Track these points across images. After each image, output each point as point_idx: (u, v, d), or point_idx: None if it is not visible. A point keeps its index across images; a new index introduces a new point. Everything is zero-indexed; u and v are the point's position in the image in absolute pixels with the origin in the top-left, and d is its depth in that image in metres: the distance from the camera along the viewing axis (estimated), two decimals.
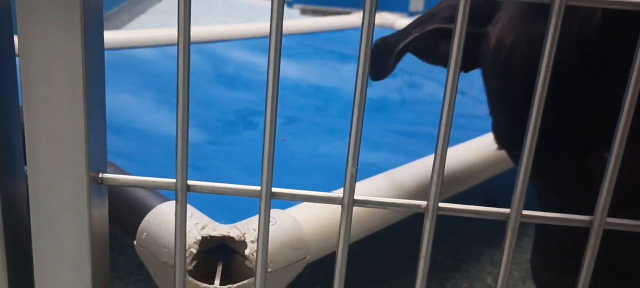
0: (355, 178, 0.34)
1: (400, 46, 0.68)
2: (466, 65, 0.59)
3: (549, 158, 0.52)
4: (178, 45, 0.31)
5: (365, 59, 0.31)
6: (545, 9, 0.31)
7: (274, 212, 0.62)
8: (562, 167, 0.52)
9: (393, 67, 0.70)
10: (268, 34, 0.31)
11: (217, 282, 0.57)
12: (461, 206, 0.35)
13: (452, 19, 0.69)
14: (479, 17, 0.56)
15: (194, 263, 0.56)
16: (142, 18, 3.06)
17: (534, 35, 0.51)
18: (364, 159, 0.34)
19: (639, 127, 0.33)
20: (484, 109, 0.61)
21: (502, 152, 0.60)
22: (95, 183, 0.35)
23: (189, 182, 0.34)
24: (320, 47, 1.55)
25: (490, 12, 0.58)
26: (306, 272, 0.64)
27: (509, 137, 0.57)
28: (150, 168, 0.79)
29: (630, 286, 0.53)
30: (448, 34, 0.66)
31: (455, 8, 0.30)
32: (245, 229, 0.58)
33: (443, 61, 0.69)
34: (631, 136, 0.32)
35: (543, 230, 0.57)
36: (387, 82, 0.74)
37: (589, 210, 0.35)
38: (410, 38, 0.68)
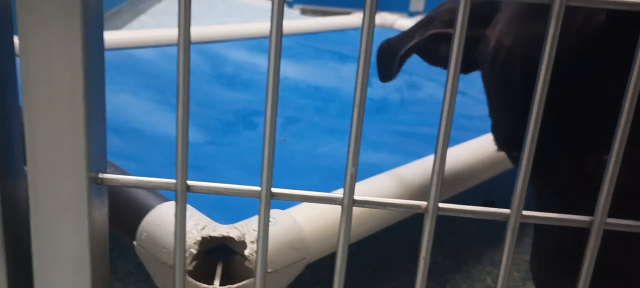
0: (355, 179, 0.34)
1: (403, 50, 0.69)
2: (465, 67, 0.59)
3: (549, 159, 0.52)
4: (178, 45, 0.31)
5: (366, 59, 0.31)
6: (544, 10, 0.31)
7: (274, 213, 0.62)
8: (562, 168, 0.52)
9: (398, 70, 0.71)
10: (268, 34, 0.31)
11: (216, 282, 0.57)
12: (461, 206, 0.35)
13: (451, 23, 0.70)
14: (478, 19, 0.56)
15: (193, 263, 0.56)
16: (142, 18, 3.06)
17: (533, 36, 0.51)
18: (363, 159, 0.34)
19: (639, 128, 0.33)
20: (483, 110, 0.61)
21: (501, 153, 0.60)
22: (95, 184, 0.35)
23: (189, 183, 0.34)
24: (320, 47, 1.55)
25: (489, 14, 0.58)
26: (306, 273, 0.64)
27: (508, 138, 0.58)
28: (149, 169, 0.79)
29: (629, 286, 0.53)
30: (448, 38, 0.66)
31: (454, 12, 0.30)
32: (245, 229, 0.58)
33: (443, 63, 0.69)
34: (631, 136, 0.32)
35: (542, 231, 0.57)
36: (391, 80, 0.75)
37: (589, 212, 0.35)
38: (411, 43, 0.69)
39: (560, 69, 0.42)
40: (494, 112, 0.59)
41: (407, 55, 0.70)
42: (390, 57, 0.71)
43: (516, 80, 0.53)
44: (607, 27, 0.46)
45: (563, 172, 0.52)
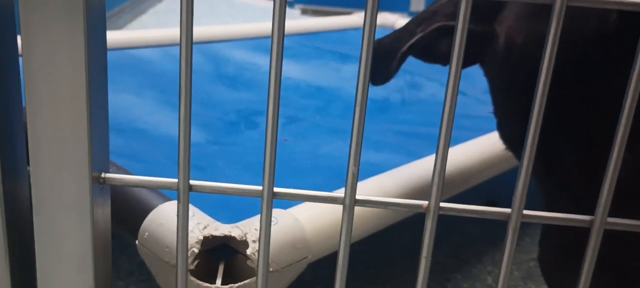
0: (356, 178, 0.34)
1: (405, 47, 0.66)
2: (465, 62, 0.59)
3: (554, 157, 0.52)
4: (180, 45, 0.31)
5: (367, 58, 0.32)
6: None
7: (276, 212, 0.62)
8: (566, 166, 0.52)
9: (397, 70, 0.68)
10: (269, 34, 0.31)
11: (218, 281, 0.57)
12: (462, 206, 0.35)
13: (455, 15, 0.69)
14: (482, 15, 0.56)
15: (195, 262, 0.56)
16: (143, 18, 3.06)
17: (545, 34, 0.51)
18: (365, 159, 0.34)
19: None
20: (484, 110, 0.61)
21: (502, 153, 0.60)
22: (98, 183, 0.35)
23: (191, 182, 0.34)
24: (321, 47, 1.55)
25: (493, 11, 0.58)
26: (307, 272, 0.64)
27: (516, 137, 0.57)
28: (151, 168, 0.79)
29: (630, 282, 0.53)
30: (451, 31, 0.64)
31: (456, 4, 0.30)
32: (247, 229, 0.59)
33: (441, 59, 0.68)
34: (633, 133, 0.32)
35: (547, 228, 0.57)
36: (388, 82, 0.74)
37: (592, 208, 0.35)
38: (415, 38, 0.65)
39: (570, 67, 0.42)
40: (501, 109, 0.58)
41: (409, 51, 0.67)
42: (386, 57, 0.67)
43: (527, 77, 0.52)
44: (620, 25, 0.46)
45: (567, 169, 0.52)
